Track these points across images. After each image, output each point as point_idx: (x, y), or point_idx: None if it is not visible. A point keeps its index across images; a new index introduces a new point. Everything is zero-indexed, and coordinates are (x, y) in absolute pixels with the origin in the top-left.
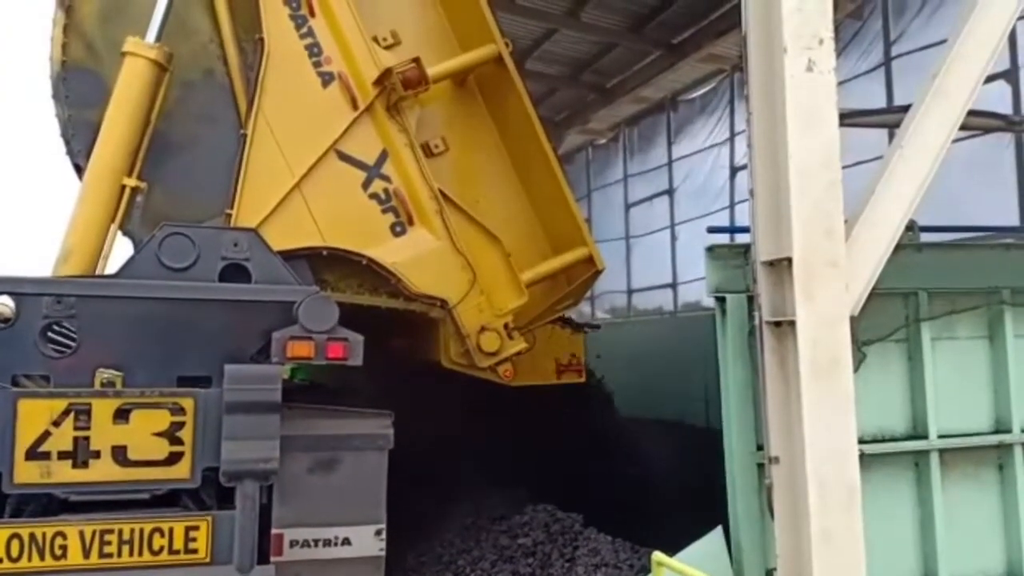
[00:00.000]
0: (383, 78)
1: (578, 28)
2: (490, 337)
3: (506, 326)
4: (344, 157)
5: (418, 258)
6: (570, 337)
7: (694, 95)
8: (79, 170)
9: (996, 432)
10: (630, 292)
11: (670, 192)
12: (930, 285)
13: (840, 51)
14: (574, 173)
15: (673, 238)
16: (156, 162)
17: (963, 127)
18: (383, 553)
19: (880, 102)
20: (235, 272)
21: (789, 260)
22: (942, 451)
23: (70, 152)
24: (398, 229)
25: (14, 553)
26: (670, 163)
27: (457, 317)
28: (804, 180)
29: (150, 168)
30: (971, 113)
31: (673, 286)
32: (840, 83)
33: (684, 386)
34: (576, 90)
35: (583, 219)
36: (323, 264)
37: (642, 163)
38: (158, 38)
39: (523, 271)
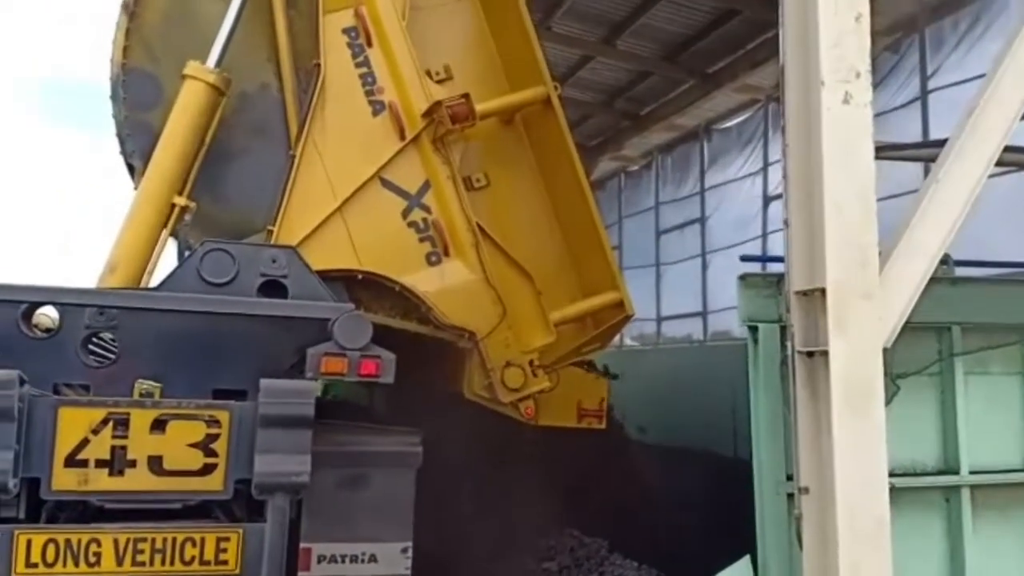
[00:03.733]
0: (432, 111)
1: (613, 56)
2: (514, 373)
3: (531, 363)
4: (387, 185)
5: (451, 289)
6: (594, 382)
7: (728, 124)
8: (132, 170)
9: None
10: (660, 320)
11: (702, 220)
12: (964, 319)
13: (877, 84)
14: (606, 199)
15: (704, 266)
16: (207, 172)
17: (999, 163)
18: (408, 572)
19: (916, 136)
20: (273, 288)
21: (823, 291)
22: (973, 487)
23: (124, 152)
24: (433, 259)
25: (50, 558)
26: (703, 191)
27: (484, 350)
28: (839, 211)
29: (201, 178)
30: (1007, 149)
31: (703, 314)
32: (876, 116)
33: (711, 414)
34: (610, 117)
35: (617, 263)
36: (358, 285)
37: (674, 191)
38: (218, 63)
39: (552, 310)
